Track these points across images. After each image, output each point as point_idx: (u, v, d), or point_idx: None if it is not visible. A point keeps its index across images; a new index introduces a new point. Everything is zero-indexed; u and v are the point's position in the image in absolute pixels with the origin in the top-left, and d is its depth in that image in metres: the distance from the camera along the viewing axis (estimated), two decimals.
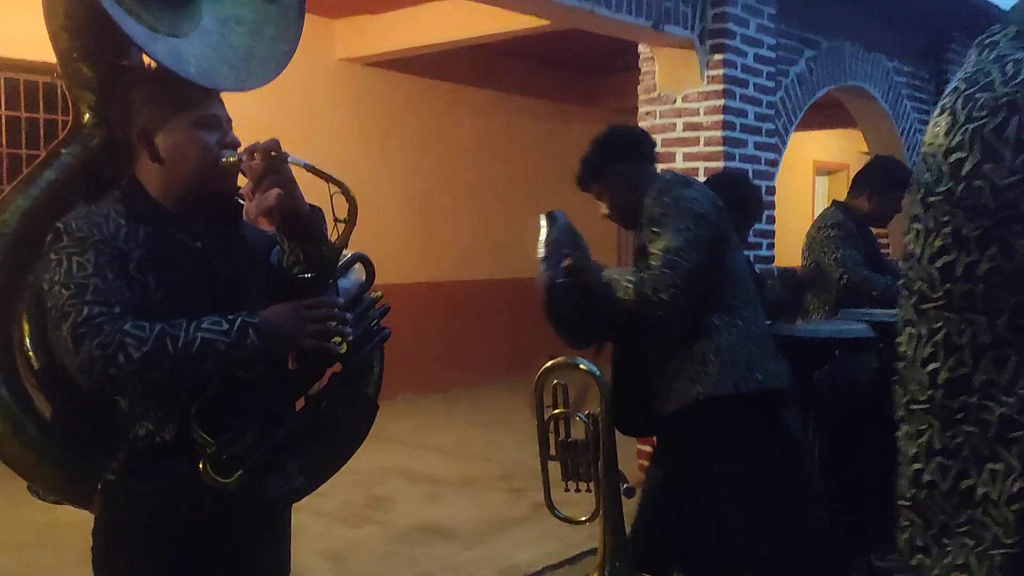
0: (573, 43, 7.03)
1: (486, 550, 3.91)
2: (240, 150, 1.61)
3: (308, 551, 3.82)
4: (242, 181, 1.61)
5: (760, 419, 2.37)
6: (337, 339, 1.59)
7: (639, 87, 4.90)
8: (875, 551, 2.89)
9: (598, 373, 2.16)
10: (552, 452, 2.27)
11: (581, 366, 2.18)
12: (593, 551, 3.67)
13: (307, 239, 1.63)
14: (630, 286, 2.32)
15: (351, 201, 1.58)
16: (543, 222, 2.46)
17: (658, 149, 4.91)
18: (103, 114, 1.64)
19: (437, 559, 3.81)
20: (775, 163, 5.01)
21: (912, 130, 6.59)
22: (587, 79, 8.37)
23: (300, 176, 1.58)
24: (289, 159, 1.55)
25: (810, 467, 2.52)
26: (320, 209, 1.65)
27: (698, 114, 4.65)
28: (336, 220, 1.61)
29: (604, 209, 2.55)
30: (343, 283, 1.74)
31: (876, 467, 2.67)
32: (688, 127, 4.69)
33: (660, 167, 4.89)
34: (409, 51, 6.49)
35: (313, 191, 1.61)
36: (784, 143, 5.15)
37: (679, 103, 4.72)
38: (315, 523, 4.37)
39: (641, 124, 4.87)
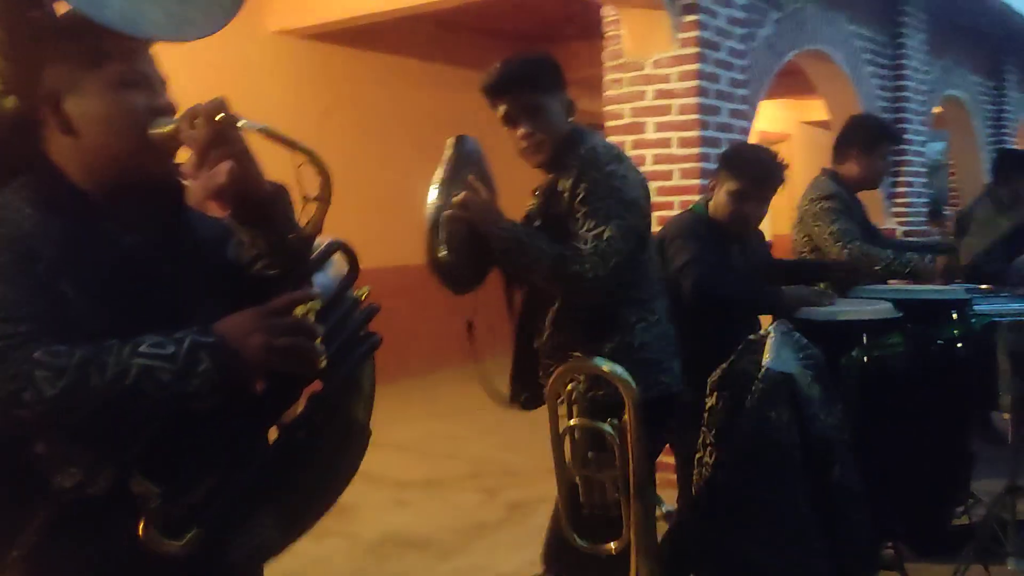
0: (522, 12, 6.70)
1: (465, 560, 3.59)
2: (177, 116, 1.24)
3: (267, 572, 3.46)
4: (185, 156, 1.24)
5: (659, 423, 2.15)
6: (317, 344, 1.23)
7: (604, 53, 4.57)
8: (905, 541, 2.66)
9: (625, 376, 1.83)
10: (570, 470, 1.94)
11: (604, 368, 1.85)
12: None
13: (269, 225, 1.28)
14: (547, 257, 2.05)
15: (323, 173, 1.22)
16: (449, 147, 2.14)
17: (627, 119, 4.68)
18: (12, 80, 1.25)
19: (412, 574, 3.48)
20: (747, 132, 4.76)
21: (872, 95, 6.42)
22: (537, 50, 8.04)
23: (256, 146, 1.23)
24: (242, 123, 1.19)
25: (837, 460, 2.25)
26: (284, 186, 1.30)
27: (670, 80, 4.35)
28: (305, 199, 1.26)
29: (521, 140, 2.20)
30: (319, 279, 1.39)
31: (907, 454, 2.42)
32: (659, 95, 4.38)
33: (630, 139, 4.66)
34: (348, 22, 6.07)
35: (273, 163, 1.25)
36: (755, 109, 4.90)
37: (649, 69, 4.41)
38: None
39: (608, 93, 4.56)
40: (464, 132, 2.28)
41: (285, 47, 6.59)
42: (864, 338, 2.41)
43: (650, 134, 4.42)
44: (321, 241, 1.38)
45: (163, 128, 1.23)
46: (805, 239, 3.41)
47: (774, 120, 11.90)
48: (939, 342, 2.56)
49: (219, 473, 1.25)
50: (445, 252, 2.08)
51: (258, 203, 1.25)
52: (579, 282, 2.03)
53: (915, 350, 2.48)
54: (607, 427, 1.85)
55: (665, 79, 4.36)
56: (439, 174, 2.13)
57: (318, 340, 1.22)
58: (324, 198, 1.25)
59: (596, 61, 4.64)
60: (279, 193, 1.28)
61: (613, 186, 2.12)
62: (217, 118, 1.18)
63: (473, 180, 2.14)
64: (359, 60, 7.06)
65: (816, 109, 12.45)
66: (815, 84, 6.31)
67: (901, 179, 6.63)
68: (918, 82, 6.84)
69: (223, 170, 1.18)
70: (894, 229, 6.57)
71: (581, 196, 2.11)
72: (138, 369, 1.10)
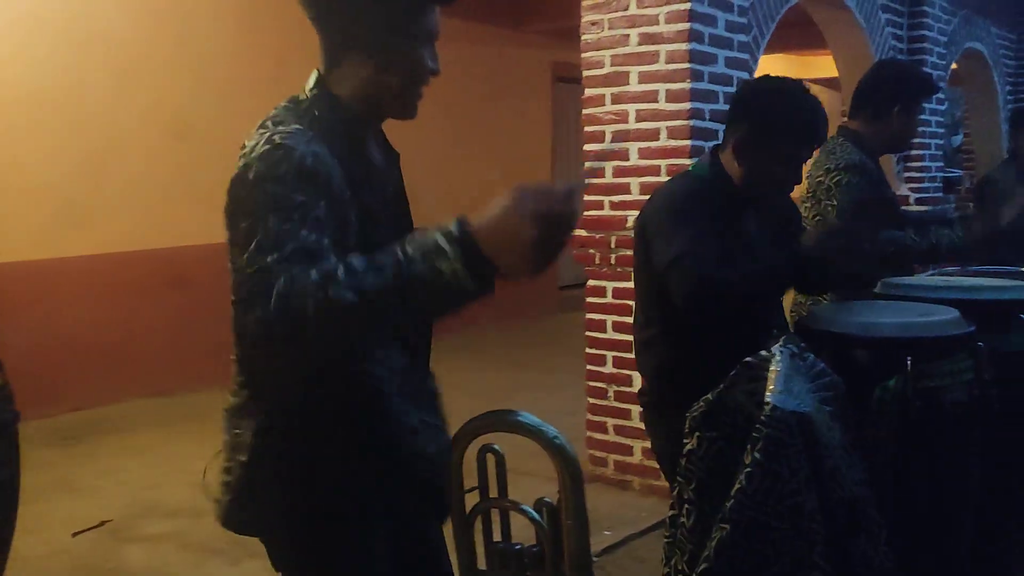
0: None
1: None
2: None
3: None
4: None
5: None
6: None
7: None
8: None
9: (559, 439, 1.21)
10: (480, 566, 1.31)
11: (531, 427, 1.23)
12: None
13: None
14: None
15: None
16: None
17: (607, 69, 4.02)
18: None
19: None
20: None
21: (887, 48, 5.75)
22: None
23: None
24: None
25: (863, 530, 1.66)
26: None
27: (658, 22, 3.68)
28: None
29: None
30: None
31: (958, 520, 1.81)
32: (645, 39, 3.72)
33: (610, 91, 4.01)
34: None
35: None
36: (756, 60, 4.23)
37: (633, 9, 3.73)
38: (181, 559, 3.43)
39: (586, 38, 3.89)
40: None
41: None
42: (908, 362, 1.75)
43: (634, 86, 3.76)
44: None
45: None
46: (817, 219, 2.76)
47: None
48: (1007, 361, 1.90)
49: None
50: None
51: None
52: None
53: (986, 379, 1.79)
54: (531, 511, 1.24)
55: (652, 20, 3.69)
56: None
57: None
58: None
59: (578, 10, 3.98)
60: None
61: None
62: None
63: None
64: None
65: (820, 66, 11.76)
66: (824, 34, 5.63)
67: (916, 140, 5.97)
68: (938, 33, 6.16)
69: None
70: (907, 196, 5.95)
71: None
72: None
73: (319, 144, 1.26)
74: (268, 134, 1.25)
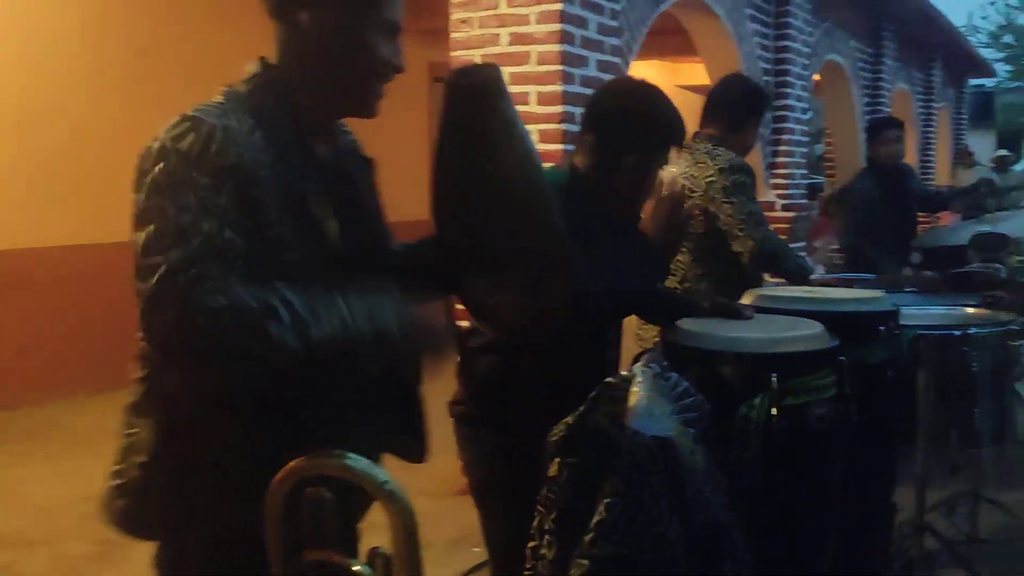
0: None
1: None
2: None
3: None
4: None
5: None
6: None
7: None
8: None
9: (389, 485, 1.07)
10: None
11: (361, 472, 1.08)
12: None
13: None
14: None
15: None
16: None
17: None
18: None
19: None
20: None
21: (754, 56, 5.88)
22: None
23: None
24: None
25: (728, 555, 1.59)
26: None
27: (528, 22, 3.59)
28: None
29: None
30: None
31: (819, 536, 1.78)
32: (515, 39, 3.62)
33: None
34: None
35: None
36: (627, 65, 4.21)
37: (503, 8, 3.64)
38: None
39: (455, 36, 3.77)
40: None
41: None
42: (773, 379, 1.70)
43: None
44: None
45: None
46: (701, 219, 2.72)
47: None
48: (869, 373, 1.90)
49: None
50: None
51: None
52: None
53: (848, 394, 1.76)
54: (362, 567, 1.10)
55: (523, 20, 3.61)
56: None
57: None
58: None
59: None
60: None
61: None
62: None
63: None
64: None
65: (691, 73, 12.06)
66: (695, 41, 5.70)
67: (782, 148, 6.15)
68: (801, 44, 6.35)
69: None
70: (773, 202, 6.11)
71: None
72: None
73: (235, 117, 1.21)
74: (184, 112, 1.20)
